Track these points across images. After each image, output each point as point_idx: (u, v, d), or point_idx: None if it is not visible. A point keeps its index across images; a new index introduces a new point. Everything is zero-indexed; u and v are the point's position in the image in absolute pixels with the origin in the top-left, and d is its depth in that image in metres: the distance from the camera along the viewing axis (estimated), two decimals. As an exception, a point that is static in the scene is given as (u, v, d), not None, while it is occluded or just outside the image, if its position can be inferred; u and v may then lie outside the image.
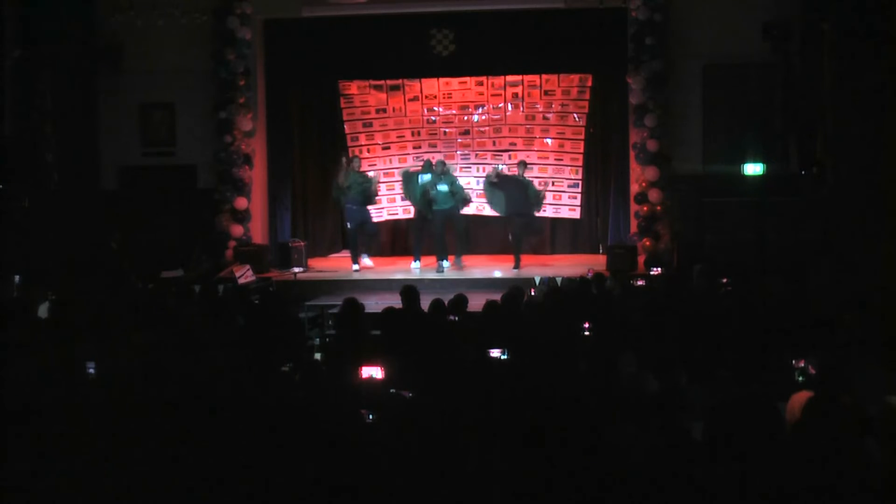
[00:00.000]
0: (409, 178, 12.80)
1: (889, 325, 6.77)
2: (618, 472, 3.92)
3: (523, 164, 12.81)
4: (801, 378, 5.78)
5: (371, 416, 4.87)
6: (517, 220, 12.54)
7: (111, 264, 11.47)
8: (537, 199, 12.54)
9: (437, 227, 12.47)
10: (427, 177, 12.46)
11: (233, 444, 4.35)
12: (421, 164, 13.06)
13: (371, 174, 12.95)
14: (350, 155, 13.62)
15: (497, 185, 12.44)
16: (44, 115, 11.93)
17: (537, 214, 12.86)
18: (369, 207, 12.90)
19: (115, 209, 12.83)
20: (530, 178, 12.94)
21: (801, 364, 5.89)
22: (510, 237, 12.75)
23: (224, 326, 7.57)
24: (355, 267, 12.58)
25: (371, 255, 13.10)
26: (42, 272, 10.16)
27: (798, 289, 8.54)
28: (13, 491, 4.17)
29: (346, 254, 13.38)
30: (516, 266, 12.34)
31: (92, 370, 5.84)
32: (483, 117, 14.23)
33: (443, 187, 12.33)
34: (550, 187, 13.70)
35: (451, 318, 7.65)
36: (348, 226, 12.83)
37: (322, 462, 4.14)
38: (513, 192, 12.38)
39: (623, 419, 4.47)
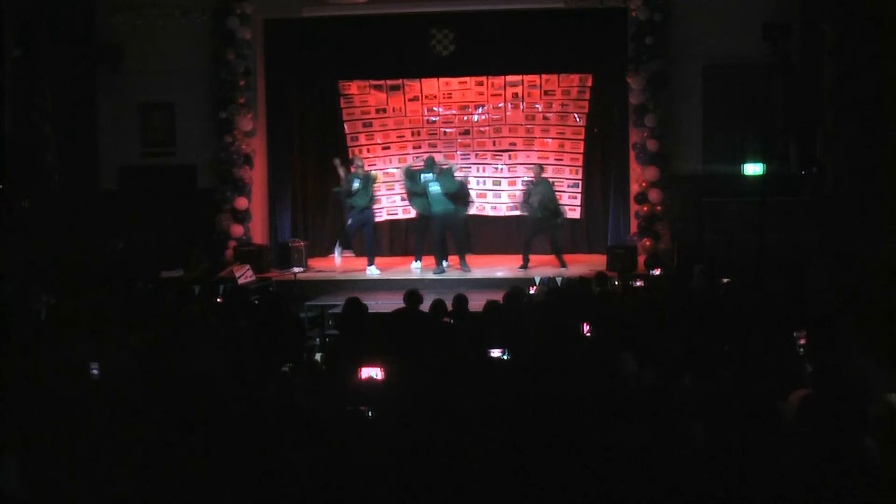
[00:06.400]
0: (410, 176, 12.73)
1: (889, 325, 6.76)
2: (617, 471, 3.93)
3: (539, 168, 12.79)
4: (802, 351, 5.81)
5: (370, 413, 4.87)
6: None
7: (113, 266, 11.45)
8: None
9: (435, 229, 12.45)
10: (430, 175, 12.42)
11: (233, 445, 4.35)
12: (422, 162, 13.03)
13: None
14: (350, 156, 13.60)
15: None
16: (44, 115, 11.92)
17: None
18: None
19: (115, 209, 12.83)
20: (529, 179, 12.93)
21: (803, 340, 5.92)
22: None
23: (224, 326, 7.56)
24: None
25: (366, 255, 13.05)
26: (42, 272, 10.15)
27: (798, 288, 8.53)
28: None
29: (348, 254, 13.31)
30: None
31: (95, 371, 5.83)
32: (483, 117, 14.22)
33: (435, 188, 12.25)
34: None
35: (447, 320, 7.64)
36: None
37: (322, 462, 4.14)
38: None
39: (623, 419, 4.46)
